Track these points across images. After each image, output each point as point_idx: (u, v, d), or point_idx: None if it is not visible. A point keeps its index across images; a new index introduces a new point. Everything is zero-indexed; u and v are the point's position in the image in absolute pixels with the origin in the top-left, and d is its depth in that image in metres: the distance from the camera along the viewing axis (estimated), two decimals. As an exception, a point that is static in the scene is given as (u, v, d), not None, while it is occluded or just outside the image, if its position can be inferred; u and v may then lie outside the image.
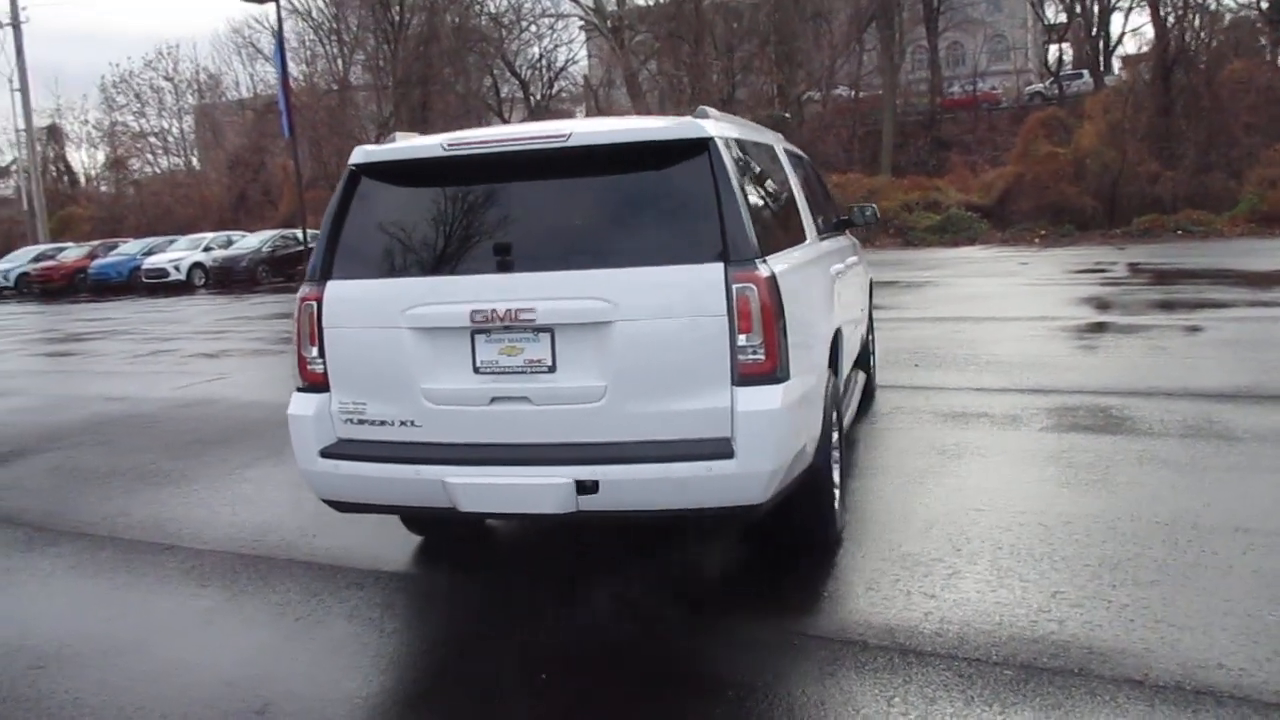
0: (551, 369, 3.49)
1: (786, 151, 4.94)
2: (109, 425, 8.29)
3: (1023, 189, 25.89)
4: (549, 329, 3.47)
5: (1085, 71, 39.43)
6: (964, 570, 4.02)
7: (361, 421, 3.73)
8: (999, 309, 11.94)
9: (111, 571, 4.75)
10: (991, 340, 9.65)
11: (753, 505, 3.40)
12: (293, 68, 45.10)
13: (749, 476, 3.34)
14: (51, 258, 32.76)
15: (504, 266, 3.53)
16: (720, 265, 3.35)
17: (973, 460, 5.53)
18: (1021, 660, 3.27)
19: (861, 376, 6.54)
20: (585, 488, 3.38)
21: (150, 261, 28.92)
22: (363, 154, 3.79)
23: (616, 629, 3.78)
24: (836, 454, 4.55)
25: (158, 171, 50.84)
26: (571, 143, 3.48)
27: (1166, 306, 11.42)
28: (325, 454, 3.74)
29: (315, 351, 3.77)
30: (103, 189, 51.19)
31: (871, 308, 7.69)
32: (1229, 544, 4.11)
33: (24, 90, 36.91)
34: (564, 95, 45.08)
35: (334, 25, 45.41)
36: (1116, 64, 40.39)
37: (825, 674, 3.28)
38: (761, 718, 3.05)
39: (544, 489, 3.40)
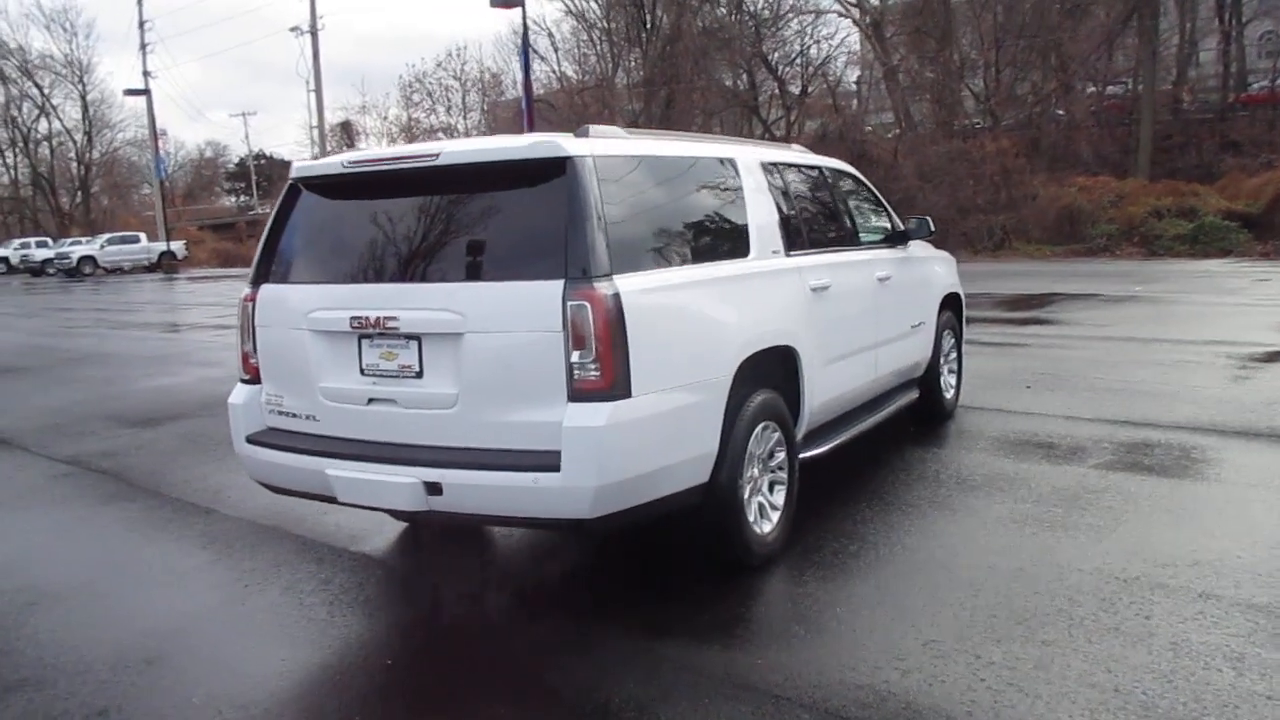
0: (419, 375, 3.70)
1: (769, 165, 4.82)
2: (259, 398, 9.25)
3: (1295, 196, 23.00)
4: (417, 337, 3.68)
5: None
6: (859, 609, 3.86)
7: (281, 413, 4.10)
8: (1181, 330, 10.82)
9: (149, 527, 5.42)
10: (1137, 363, 8.83)
11: (580, 519, 3.46)
12: (566, 66, 47.64)
13: (572, 491, 3.39)
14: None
15: (380, 276, 3.79)
16: (560, 282, 3.42)
17: (984, 495, 5.19)
18: (829, 706, 3.14)
19: (910, 395, 6.26)
20: (432, 489, 3.57)
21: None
22: (296, 169, 4.16)
23: (485, 628, 3.95)
24: (783, 474, 4.46)
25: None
26: (440, 161, 3.67)
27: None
28: (249, 440, 4.14)
29: (251, 347, 4.17)
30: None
31: (960, 325, 7.29)
32: (1176, 610, 3.69)
33: (318, 91, 41.14)
34: (822, 91, 44.34)
35: (606, 25, 47.42)
36: None
37: (636, 693, 3.29)
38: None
39: (398, 486, 3.62)
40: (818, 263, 4.92)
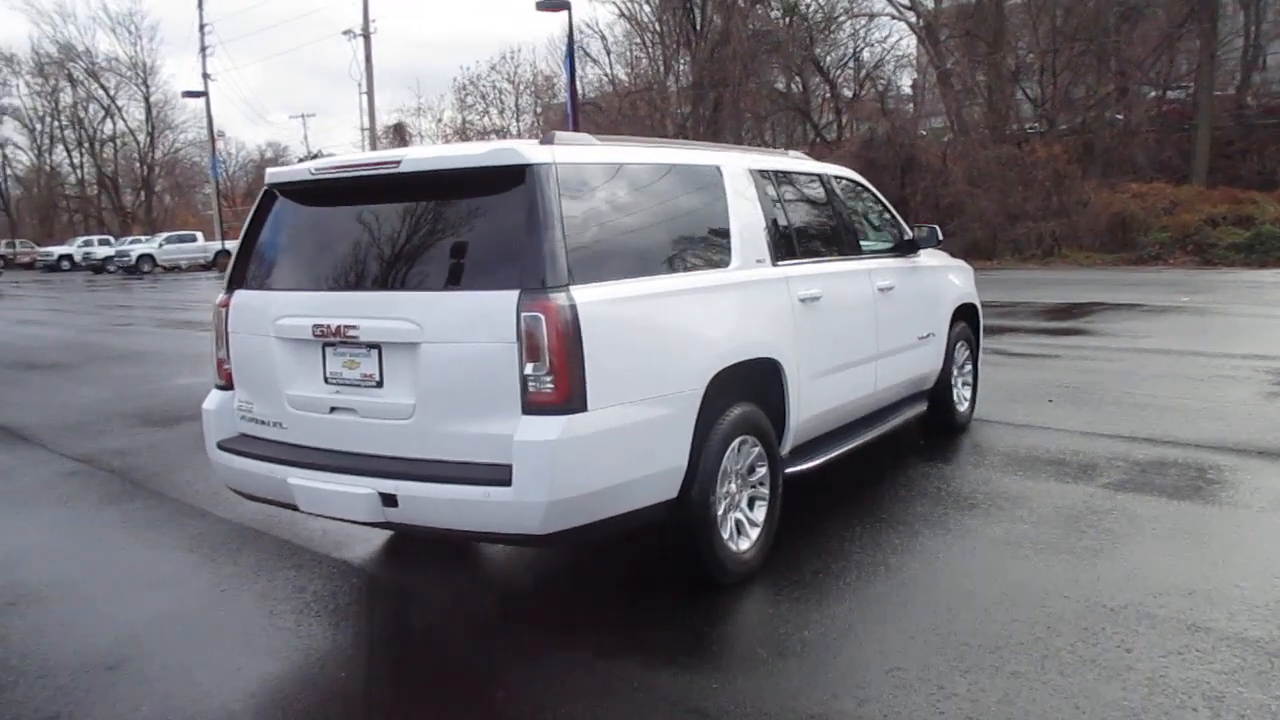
0: (379, 384, 3.66)
1: (758, 173, 4.71)
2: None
3: (1361, 204, 22.16)
4: (377, 346, 3.64)
5: None
6: (829, 632, 3.74)
7: (251, 420, 4.09)
8: (1221, 343, 10.45)
9: (143, 528, 5.46)
10: (1169, 377, 8.54)
11: (532, 535, 3.39)
12: (618, 70, 47.77)
13: (523, 506, 3.33)
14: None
15: (344, 284, 3.76)
16: (515, 293, 3.36)
17: (982, 514, 5.03)
18: (775, 735, 3.03)
19: (918, 408, 6.11)
20: (388, 500, 3.52)
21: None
22: (270, 174, 4.15)
23: (445, 642, 3.91)
24: (764, 490, 4.35)
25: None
26: (402, 169, 3.62)
27: None
28: (220, 446, 4.14)
29: (225, 353, 4.17)
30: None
31: (976, 336, 7.10)
32: (1160, 643, 3.52)
33: (370, 93, 41.48)
34: (873, 95, 43.81)
35: (658, 29, 47.38)
36: None
37: (584, 715, 3.21)
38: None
39: (355, 497, 3.58)
40: (808, 272, 4.79)
